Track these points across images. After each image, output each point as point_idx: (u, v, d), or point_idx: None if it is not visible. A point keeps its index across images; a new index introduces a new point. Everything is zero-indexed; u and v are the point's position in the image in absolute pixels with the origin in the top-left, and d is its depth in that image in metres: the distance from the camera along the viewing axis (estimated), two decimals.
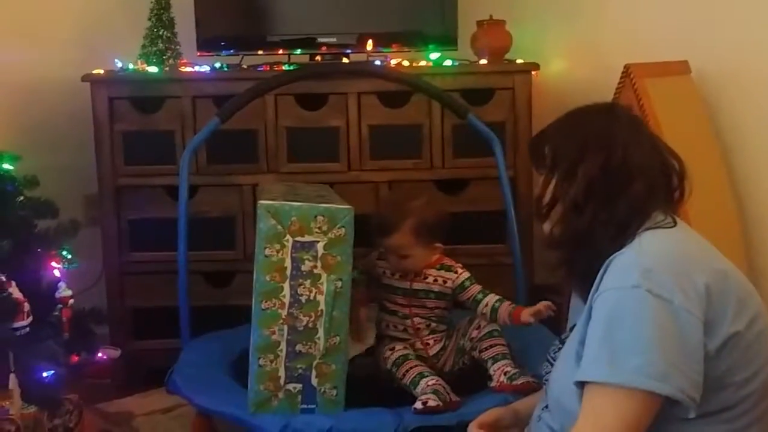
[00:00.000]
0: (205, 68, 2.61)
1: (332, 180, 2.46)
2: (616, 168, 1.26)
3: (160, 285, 2.57)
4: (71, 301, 1.86)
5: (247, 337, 2.20)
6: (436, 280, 2.03)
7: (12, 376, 1.61)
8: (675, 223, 1.27)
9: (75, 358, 1.96)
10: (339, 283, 1.77)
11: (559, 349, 1.36)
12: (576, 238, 1.27)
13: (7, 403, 1.65)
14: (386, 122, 2.57)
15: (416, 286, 2.02)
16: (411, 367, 1.88)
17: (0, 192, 1.76)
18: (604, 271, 1.21)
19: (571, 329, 1.34)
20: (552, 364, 1.36)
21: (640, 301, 1.14)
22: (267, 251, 1.75)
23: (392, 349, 1.94)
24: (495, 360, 1.91)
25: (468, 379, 1.94)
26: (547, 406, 1.36)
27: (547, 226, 1.35)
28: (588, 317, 1.20)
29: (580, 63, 2.75)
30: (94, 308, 2.09)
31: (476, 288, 2.04)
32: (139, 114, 2.57)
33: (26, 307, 1.69)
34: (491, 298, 2.00)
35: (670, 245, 1.23)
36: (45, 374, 1.71)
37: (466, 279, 2.05)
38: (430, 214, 1.99)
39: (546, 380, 1.37)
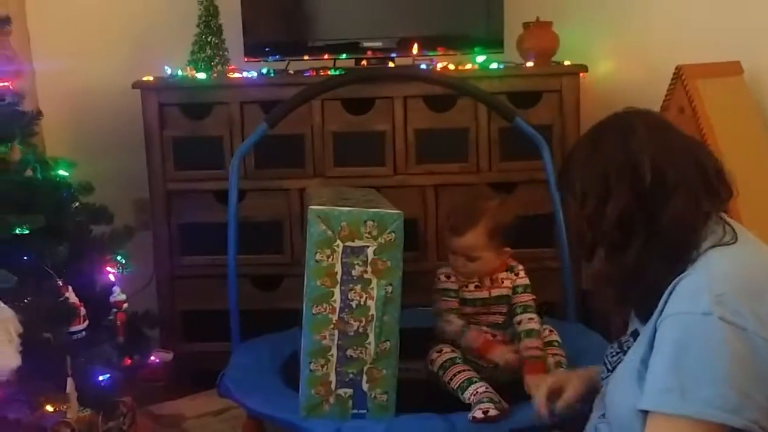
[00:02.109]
0: (253, 74, 2.64)
1: (378, 184, 2.47)
2: (646, 190, 1.19)
3: (209, 288, 2.60)
4: (125, 305, 1.89)
5: (295, 340, 2.22)
6: (503, 282, 2.03)
7: (69, 380, 1.65)
8: (736, 236, 1.21)
9: (128, 361, 1.99)
10: (389, 288, 1.77)
11: (617, 353, 1.33)
12: (627, 275, 1.22)
13: (65, 407, 1.69)
14: (432, 126, 2.57)
15: (495, 293, 2.01)
16: (458, 372, 1.87)
17: (56, 198, 1.79)
18: (670, 293, 1.17)
19: (632, 334, 1.32)
20: (609, 370, 1.33)
21: (712, 330, 1.10)
22: (317, 256, 1.76)
23: (439, 351, 1.93)
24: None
25: (518, 384, 1.92)
26: (603, 415, 1.34)
27: (595, 264, 1.29)
28: (651, 339, 1.17)
29: (629, 64, 2.72)
30: (147, 312, 2.12)
31: (523, 298, 2.03)
32: (189, 120, 2.60)
33: (82, 311, 1.73)
34: (526, 323, 1.97)
35: (740, 266, 1.17)
36: (101, 378, 1.74)
37: (520, 286, 2.04)
38: (504, 216, 1.98)
39: (603, 385, 1.34)
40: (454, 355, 1.93)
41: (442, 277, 2.02)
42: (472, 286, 2.01)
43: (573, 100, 2.52)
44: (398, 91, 2.55)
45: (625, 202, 1.20)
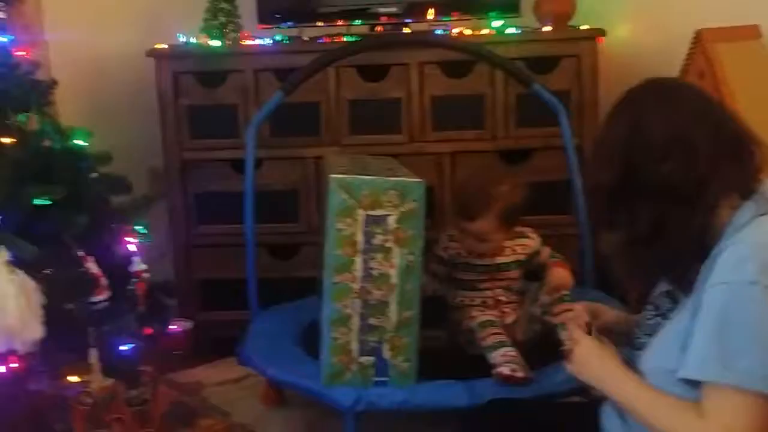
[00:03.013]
0: (267, 41, 2.61)
1: (394, 152, 2.44)
2: (694, 160, 1.18)
3: (225, 257, 2.60)
4: (146, 275, 1.89)
5: (313, 309, 2.23)
6: (514, 250, 2.04)
7: (92, 351, 1.65)
8: None
9: (148, 331, 1.99)
10: (411, 257, 1.76)
11: (654, 316, 1.32)
12: (659, 261, 1.23)
13: (88, 377, 1.69)
14: (448, 93, 2.54)
15: (499, 260, 2.01)
16: (494, 333, 1.87)
17: (75, 169, 1.78)
18: (713, 261, 1.16)
19: (667, 294, 1.31)
20: (642, 330, 1.32)
21: (758, 298, 1.10)
22: (339, 225, 1.75)
23: (482, 311, 1.95)
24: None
25: (539, 351, 1.92)
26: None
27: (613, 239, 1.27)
28: (694, 308, 1.16)
29: (648, 28, 2.67)
30: (166, 281, 2.12)
31: (547, 251, 2.06)
32: (203, 88, 2.58)
33: (104, 281, 1.73)
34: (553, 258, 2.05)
35: None
36: (123, 348, 1.75)
37: (539, 244, 2.06)
38: (516, 201, 1.97)
39: (638, 346, 1.33)
40: (492, 318, 1.94)
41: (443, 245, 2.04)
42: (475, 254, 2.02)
43: (591, 66, 2.49)
44: (414, 58, 2.52)
45: (672, 170, 1.18)
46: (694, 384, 1.17)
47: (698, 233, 1.20)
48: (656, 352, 1.25)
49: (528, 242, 2.06)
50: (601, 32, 2.52)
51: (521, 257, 2.04)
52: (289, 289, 2.47)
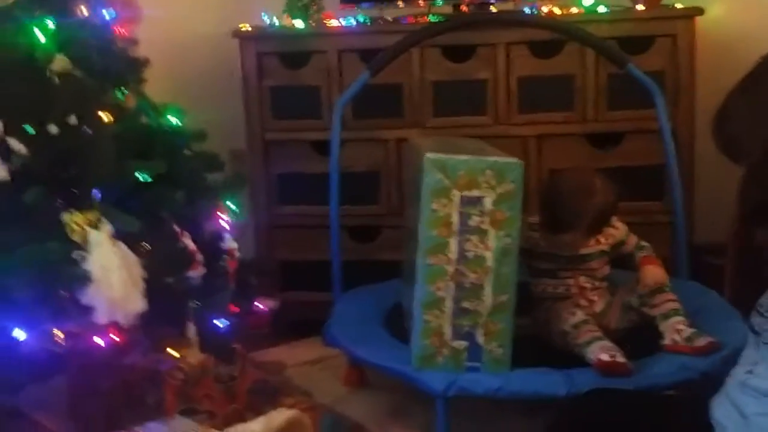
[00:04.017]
0: (351, 22, 2.58)
1: (479, 134, 2.38)
2: None
3: (306, 238, 2.60)
4: (237, 253, 1.89)
5: (396, 292, 2.21)
6: (598, 241, 1.97)
7: (190, 326, 1.66)
8: None
9: (235, 308, 2.00)
10: (508, 240, 1.72)
11: None
12: None
13: (187, 351, 1.70)
14: (536, 73, 2.47)
15: (582, 251, 1.95)
16: (590, 331, 1.82)
17: (172, 145, 1.79)
18: None
19: None
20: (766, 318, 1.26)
21: None
22: (434, 206, 1.72)
23: (573, 313, 1.88)
24: (666, 317, 1.83)
25: (638, 341, 1.86)
26: (751, 371, 1.27)
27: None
28: None
29: (748, 6, 2.55)
30: (254, 260, 2.12)
31: (633, 240, 2.00)
32: (286, 69, 2.57)
33: (199, 257, 1.73)
34: (640, 251, 1.99)
35: None
36: (218, 324, 1.75)
37: (625, 234, 1.99)
38: (608, 209, 1.91)
39: (763, 337, 1.26)
40: (587, 317, 1.88)
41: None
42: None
43: (688, 46, 2.39)
44: (500, 38, 2.46)
45: None
46: None
47: None
48: None
49: (613, 232, 1.99)
50: (698, 11, 2.42)
51: (605, 248, 1.98)
52: (369, 271, 2.45)
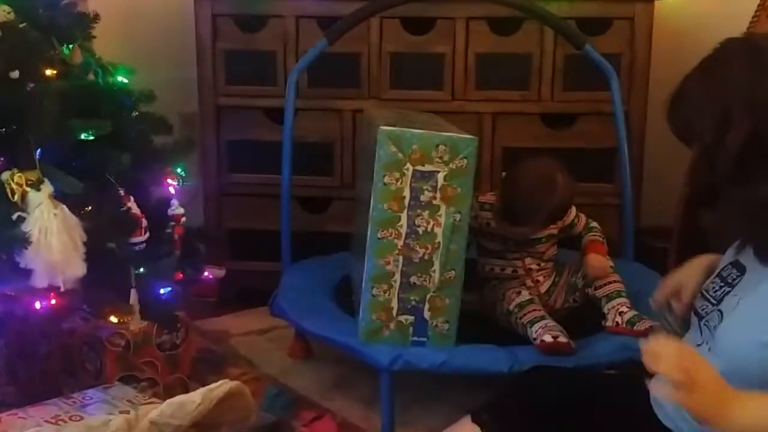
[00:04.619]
0: None
1: (435, 109, 2.37)
2: None
3: (256, 207, 2.57)
4: (183, 219, 1.85)
5: (345, 264, 2.20)
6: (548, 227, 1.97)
7: (133, 292, 1.62)
8: None
9: (180, 276, 1.96)
10: (458, 216, 1.72)
11: (721, 287, 1.28)
12: (750, 211, 1.16)
13: (128, 318, 1.67)
14: (494, 50, 2.47)
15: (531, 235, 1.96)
16: (534, 310, 1.83)
17: (118, 105, 1.73)
18: None
19: (733, 265, 1.26)
20: (712, 304, 1.28)
21: None
22: (386, 179, 1.70)
23: (518, 293, 1.90)
24: (609, 298, 1.86)
25: (580, 320, 1.88)
26: (699, 345, 1.29)
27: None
28: None
29: None
30: (202, 227, 2.08)
31: (583, 221, 2.02)
32: (242, 32, 2.52)
33: (144, 222, 1.69)
34: (588, 233, 2.00)
35: None
36: (162, 291, 1.72)
37: (575, 216, 2.01)
38: (566, 205, 1.91)
39: (705, 319, 1.29)
40: (531, 297, 1.90)
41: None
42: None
43: (646, 29, 2.40)
44: (461, 12, 2.44)
45: (751, 129, 1.13)
46: None
47: None
48: (744, 323, 1.20)
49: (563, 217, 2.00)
50: None
51: (553, 231, 1.99)
52: (318, 243, 2.44)
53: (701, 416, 1.10)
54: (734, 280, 1.26)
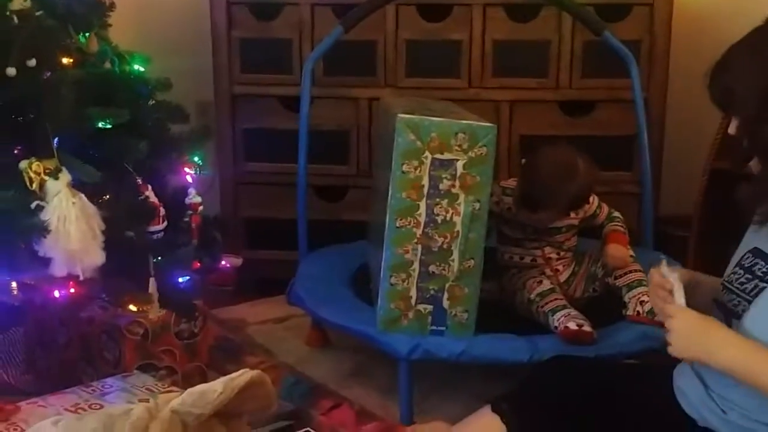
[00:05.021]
0: None
1: (451, 96, 2.36)
2: None
3: (272, 196, 2.56)
4: (200, 207, 1.85)
5: (362, 253, 2.19)
6: (568, 215, 1.96)
7: (152, 280, 1.62)
8: None
9: (197, 265, 1.96)
10: (477, 205, 1.70)
11: (750, 280, 1.26)
12: None
13: (147, 307, 1.67)
14: (512, 37, 2.44)
15: (551, 224, 1.94)
16: (556, 299, 1.82)
17: (135, 94, 1.73)
18: None
19: (753, 252, 1.25)
20: (737, 294, 1.26)
21: None
22: (404, 167, 1.69)
23: (540, 282, 1.88)
24: (630, 287, 1.84)
25: (600, 310, 1.87)
26: None
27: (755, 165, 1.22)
28: None
29: None
30: (218, 216, 2.08)
31: (605, 211, 2.00)
32: (257, 20, 2.51)
33: (161, 211, 1.68)
34: (610, 223, 1.98)
35: None
36: (180, 280, 1.71)
37: (597, 206, 1.99)
38: (588, 191, 1.89)
39: (737, 312, 1.27)
40: (553, 286, 1.89)
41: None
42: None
43: (665, 16, 2.37)
44: None
45: None
46: None
47: None
48: (766, 314, 1.18)
49: (585, 206, 1.98)
50: None
51: (575, 222, 1.97)
52: (335, 231, 2.43)
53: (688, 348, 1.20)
54: (765, 273, 1.24)
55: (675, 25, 2.40)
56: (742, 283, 1.27)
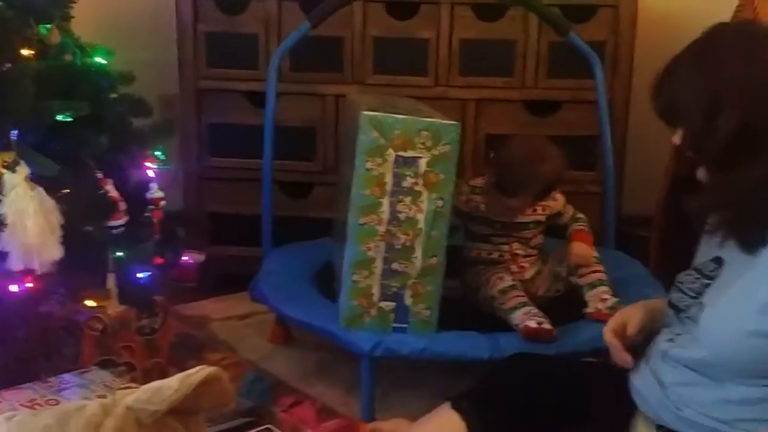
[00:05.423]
0: None
1: (418, 95, 2.35)
2: (765, 112, 1.14)
3: (237, 192, 2.55)
4: (162, 202, 1.83)
5: (327, 250, 2.19)
6: (536, 210, 1.99)
7: (110, 276, 1.60)
8: None
9: (159, 260, 1.94)
10: (440, 203, 1.71)
11: (698, 279, 1.28)
12: (736, 197, 1.18)
13: (105, 302, 1.65)
14: (479, 36, 2.45)
15: (518, 219, 1.96)
16: (517, 296, 1.83)
17: (97, 87, 1.70)
18: None
19: (715, 260, 1.27)
20: (692, 296, 1.28)
21: None
22: (368, 164, 1.69)
23: (501, 278, 1.90)
24: (592, 286, 1.86)
25: (562, 308, 1.89)
26: (672, 339, 1.30)
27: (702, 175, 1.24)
28: None
29: None
30: (181, 211, 2.06)
31: (570, 212, 2.02)
32: (224, 14, 2.48)
33: (122, 206, 1.66)
34: (575, 223, 2.00)
35: None
36: (140, 275, 1.70)
37: (563, 205, 2.01)
38: (557, 177, 1.91)
39: (684, 312, 1.29)
40: (514, 283, 1.90)
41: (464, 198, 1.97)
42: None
43: (630, 17, 2.39)
44: None
45: (742, 114, 1.14)
46: None
47: None
48: (728, 313, 1.20)
49: (552, 203, 2.01)
50: None
51: (541, 218, 2.00)
52: (300, 228, 2.42)
53: None
54: (712, 272, 1.27)
55: (640, 27, 2.42)
56: (691, 282, 1.29)
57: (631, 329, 1.38)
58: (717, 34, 1.22)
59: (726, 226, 1.23)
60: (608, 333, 1.39)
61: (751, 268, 1.19)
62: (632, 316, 1.41)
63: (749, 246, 1.20)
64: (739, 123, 1.14)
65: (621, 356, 1.36)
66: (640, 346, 1.39)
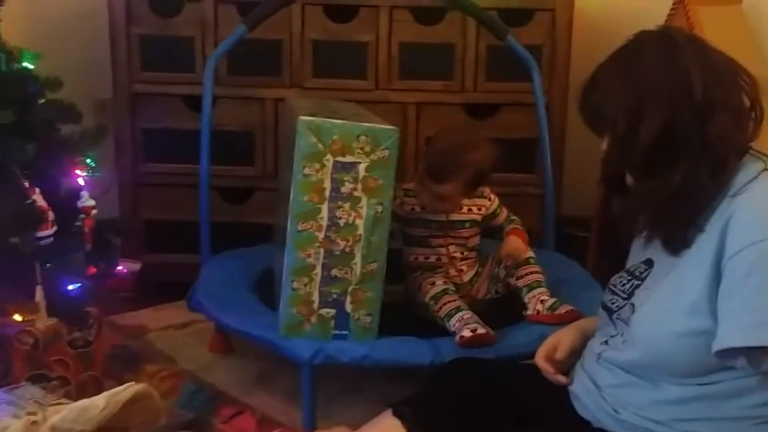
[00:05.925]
0: None
1: (358, 98, 2.34)
2: (694, 106, 1.15)
3: (174, 198, 2.49)
4: (94, 211, 1.77)
5: (267, 256, 2.16)
6: (470, 209, 1.99)
7: (38, 289, 1.54)
8: None
9: (93, 270, 1.88)
10: (379, 208, 1.70)
11: (630, 280, 1.29)
12: (664, 199, 1.18)
13: (34, 316, 1.59)
14: (418, 40, 2.45)
15: (453, 217, 1.96)
16: (449, 301, 1.83)
17: (23, 93, 1.64)
18: (724, 232, 1.13)
19: (646, 262, 1.28)
20: (624, 297, 1.29)
21: None
22: (306, 170, 1.67)
23: (432, 283, 1.89)
24: (530, 288, 1.87)
25: (502, 310, 1.89)
26: (606, 342, 1.31)
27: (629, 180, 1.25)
28: (712, 275, 1.14)
29: None
30: (114, 219, 2.01)
31: (504, 213, 2.03)
32: (158, 17, 2.43)
33: (50, 215, 1.61)
34: (510, 224, 2.03)
35: None
36: (70, 287, 1.64)
37: (497, 206, 2.02)
38: (487, 167, 1.92)
39: (617, 313, 1.30)
40: (446, 286, 1.90)
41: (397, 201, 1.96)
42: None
43: (566, 21, 2.43)
44: (385, 0, 2.41)
45: (665, 121, 1.15)
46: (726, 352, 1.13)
47: (718, 190, 1.17)
48: (658, 315, 1.21)
49: (485, 203, 2.02)
50: None
51: (477, 217, 2.01)
52: (239, 234, 2.39)
53: None
54: (642, 273, 1.28)
55: (576, 31, 2.45)
56: (623, 284, 1.31)
57: (560, 354, 1.40)
58: (640, 41, 1.23)
59: (650, 228, 1.25)
60: (539, 359, 1.41)
61: (676, 268, 1.20)
62: (563, 339, 1.43)
63: (672, 247, 1.21)
64: (662, 129, 1.16)
65: (554, 379, 1.38)
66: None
